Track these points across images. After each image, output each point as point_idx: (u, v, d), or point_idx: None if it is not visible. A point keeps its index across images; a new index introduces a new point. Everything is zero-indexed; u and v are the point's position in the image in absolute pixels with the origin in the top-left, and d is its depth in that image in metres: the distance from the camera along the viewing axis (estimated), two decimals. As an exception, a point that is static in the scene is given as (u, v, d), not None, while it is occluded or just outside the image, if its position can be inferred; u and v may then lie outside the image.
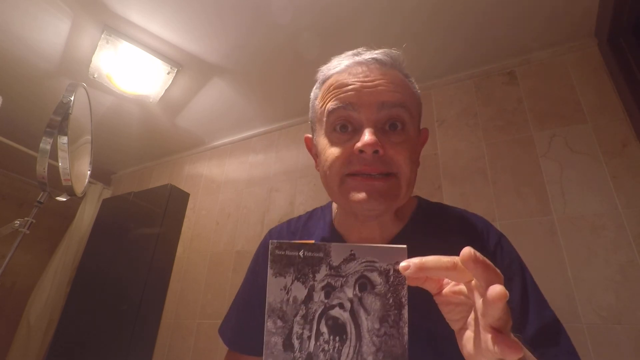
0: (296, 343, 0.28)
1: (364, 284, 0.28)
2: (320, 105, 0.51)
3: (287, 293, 0.29)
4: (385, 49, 0.51)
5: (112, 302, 1.78)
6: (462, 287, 0.30)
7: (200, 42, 1.45)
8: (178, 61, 1.56)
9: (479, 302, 0.27)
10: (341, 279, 0.28)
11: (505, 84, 1.42)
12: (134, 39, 1.45)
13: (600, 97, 1.22)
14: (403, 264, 0.27)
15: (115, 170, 2.69)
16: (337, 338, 0.28)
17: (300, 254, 0.29)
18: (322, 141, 0.49)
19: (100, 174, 2.59)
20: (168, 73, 1.59)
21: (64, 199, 1.04)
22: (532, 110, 1.32)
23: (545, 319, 0.45)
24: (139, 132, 2.15)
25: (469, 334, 0.29)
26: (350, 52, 0.52)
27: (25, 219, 1.02)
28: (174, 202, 1.97)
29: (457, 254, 0.34)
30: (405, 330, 0.27)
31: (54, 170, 0.98)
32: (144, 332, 1.68)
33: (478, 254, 0.26)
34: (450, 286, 0.30)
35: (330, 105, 0.47)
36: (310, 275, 0.29)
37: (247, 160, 2.03)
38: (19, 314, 2.03)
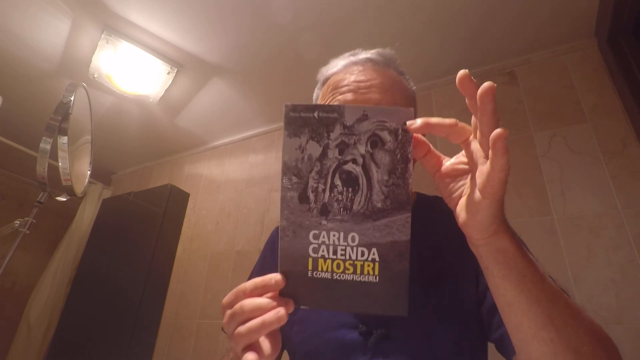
0: (311, 196, 0.31)
1: (375, 141, 0.30)
2: (322, 102, 0.55)
3: (302, 152, 0.31)
4: (379, 49, 0.55)
5: (112, 302, 1.78)
6: (461, 159, 0.33)
7: (200, 42, 1.45)
8: (178, 61, 1.56)
9: (478, 154, 0.29)
10: (354, 137, 0.30)
11: (505, 84, 1.42)
12: (134, 39, 1.45)
13: (600, 97, 1.22)
14: (410, 121, 0.31)
15: (115, 170, 2.69)
16: (350, 189, 0.31)
17: (315, 114, 0.30)
18: None
19: (100, 174, 2.59)
20: (168, 73, 1.59)
21: (64, 199, 1.04)
22: (532, 110, 1.32)
23: None
24: (139, 132, 2.15)
25: (463, 201, 0.32)
26: (347, 54, 0.56)
27: (25, 219, 1.02)
28: (174, 202, 1.97)
29: (451, 238, 0.43)
30: (410, 181, 0.31)
31: (54, 170, 0.98)
32: (144, 332, 1.68)
33: (445, 119, 0.30)
34: (448, 162, 0.34)
35: (332, 103, 0.51)
36: (325, 135, 0.30)
37: (247, 160, 2.03)
38: (19, 314, 2.04)
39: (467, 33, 1.34)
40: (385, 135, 0.30)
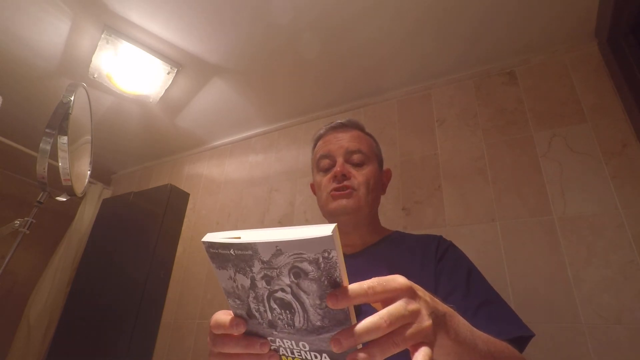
0: (257, 314, 0.32)
1: (297, 273, 0.29)
2: (315, 155, 0.81)
3: (234, 282, 0.31)
4: (349, 118, 0.84)
5: (112, 302, 1.78)
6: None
7: (200, 42, 1.45)
8: (178, 61, 1.56)
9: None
10: (275, 270, 0.29)
11: (505, 84, 1.42)
12: (134, 39, 1.45)
13: (600, 97, 1.22)
14: (331, 299, 0.29)
15: (115, 170, 2.69)
16: (288, 311, 0.31)
17: (232, 252, 0.30)
18: (317, 177, 0.79)
19: (100, 174, 2.59)
20: (168, 73, 1.59)
21: (64, 199, 1.04)
22: (532, 110, 1.32)
23: (487, 295, 0.61)
24: (139, 132, 2.15)
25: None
26: (328, 123, 0.83)
27: (25, 219, 1.02)
28: (174, 202, 1.97)
29: (414, 261, 0.67)
30: None
31: (54, 170, 0.98)
32: (144, 332, 1.68)
33: (364, 283, 0.30)
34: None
35: (319, 154, 0.78)
36: (247, 269, 0.30)
37: (247, 160, 2.03)
38: (19, 314, 2.03)
39: (467, 33, 1.34)
40: (306, 266, 0.29)
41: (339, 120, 0.83)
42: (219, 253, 0.30)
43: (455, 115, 1.47)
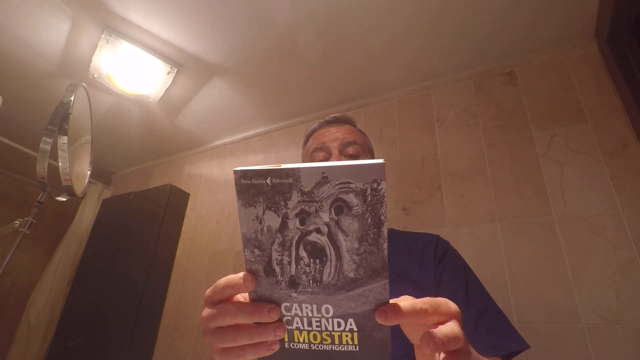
0: (277, 268, 0.28)
1: (339, 207, 0.26)
2: (308, 149, 0.80)
3: (260, 223, 0.28)
4: (343, 113, 0.84)
5: (112, 302, 1.78)
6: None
7: (200, 42, 1.45)
8: (178, 61, 1.56)
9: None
10: (315, 204, 0.27)
11: (505, 84, 1.42)
12: (134, 39, 1.45)
13: (600, 97, 1.22)
14: (380, 315, 0.27)
15: (115, 170, 2.69)
16: (317, 260, 0.28)
17: (268, 181, 0.26)
18: None
19: (100, 174, 2.59)
20: (168, 73, 1.59)
21: (64, 199, 1.04)
22: (532, 110, 1.32)
23: (485, 305, 0.62)
24: (139, 132, 2.15)
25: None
26: (320, 120, 0.84)
27: (25, 219, 1.02)
28: (174, 202, 1.97)
29: (413, 262, 0.66)
30: (385, 245, 0.27)
31: (54, 170, 0.98)
32: (144, 332, 1.68)
33: (417, 304, 0.28)
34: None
35: (313, 147, 0.77)
36: (282, 203, 0.27)
37: (247, 160, 2.02)
38: (19, 313, 2.04)
39: (467, 33, 1.34)
40: (351, 198, 0.26)
41: (335, 115, 0.83)
42: (252, 184, 0.27)
43: (455, 115, 1.47)
